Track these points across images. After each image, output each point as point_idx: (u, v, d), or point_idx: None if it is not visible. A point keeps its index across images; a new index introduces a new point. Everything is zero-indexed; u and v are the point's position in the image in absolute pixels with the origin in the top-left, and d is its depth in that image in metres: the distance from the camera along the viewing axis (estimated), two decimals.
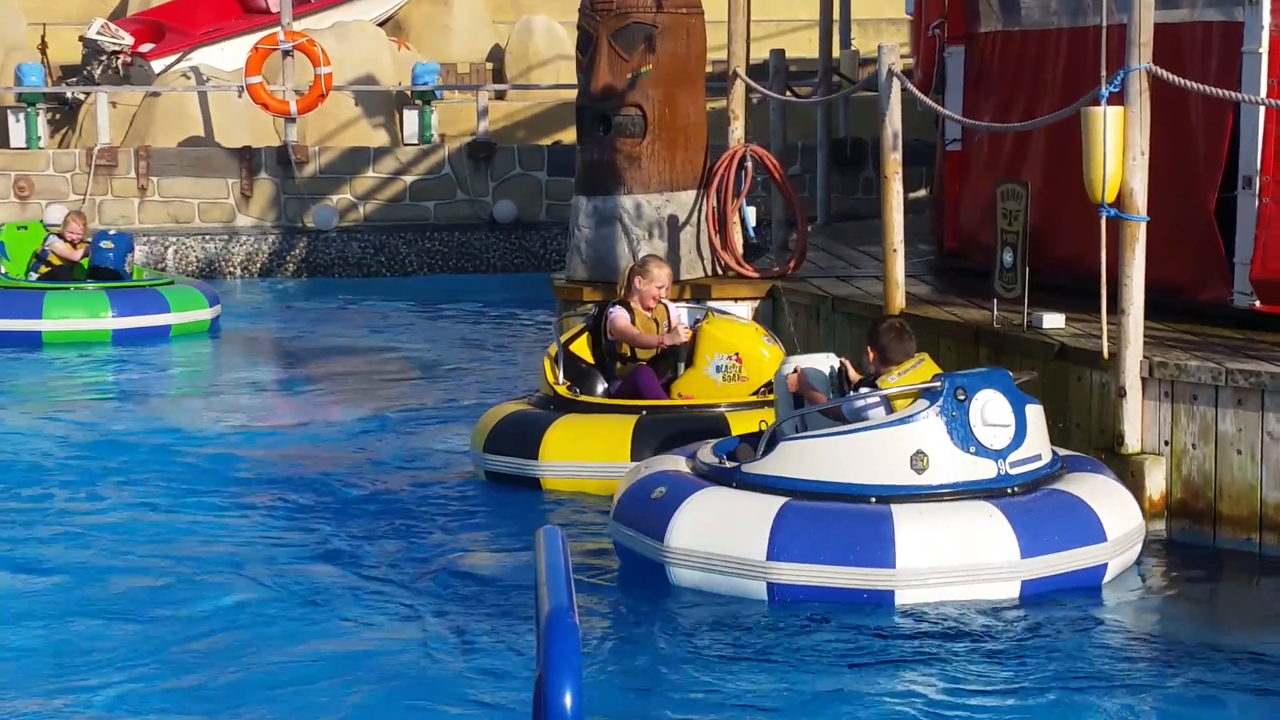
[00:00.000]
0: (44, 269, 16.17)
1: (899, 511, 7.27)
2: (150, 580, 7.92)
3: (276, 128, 21.87)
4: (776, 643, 6.92)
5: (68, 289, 15.69)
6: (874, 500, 7.34)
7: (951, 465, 7.45)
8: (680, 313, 10.28)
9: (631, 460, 9.20)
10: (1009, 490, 7.52)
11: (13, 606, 7.47)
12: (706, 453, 8.02)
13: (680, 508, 7.50)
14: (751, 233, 12.89)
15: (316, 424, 11.93)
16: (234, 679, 6.51)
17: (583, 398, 9.93)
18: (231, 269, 20.48)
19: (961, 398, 7.52)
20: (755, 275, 12.64)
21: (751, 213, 12.87)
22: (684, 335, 9.94)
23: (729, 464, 7.82)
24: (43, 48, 23.94)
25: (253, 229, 20.80)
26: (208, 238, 20.51)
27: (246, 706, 6.21)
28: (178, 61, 23.06)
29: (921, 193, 18.54)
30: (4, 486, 9.93)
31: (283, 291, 19.65)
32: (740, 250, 12.75)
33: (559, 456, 9.57)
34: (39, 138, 21.50)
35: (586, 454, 9.53)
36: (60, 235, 16.16)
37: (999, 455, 7.54)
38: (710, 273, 12.75)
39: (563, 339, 10.21)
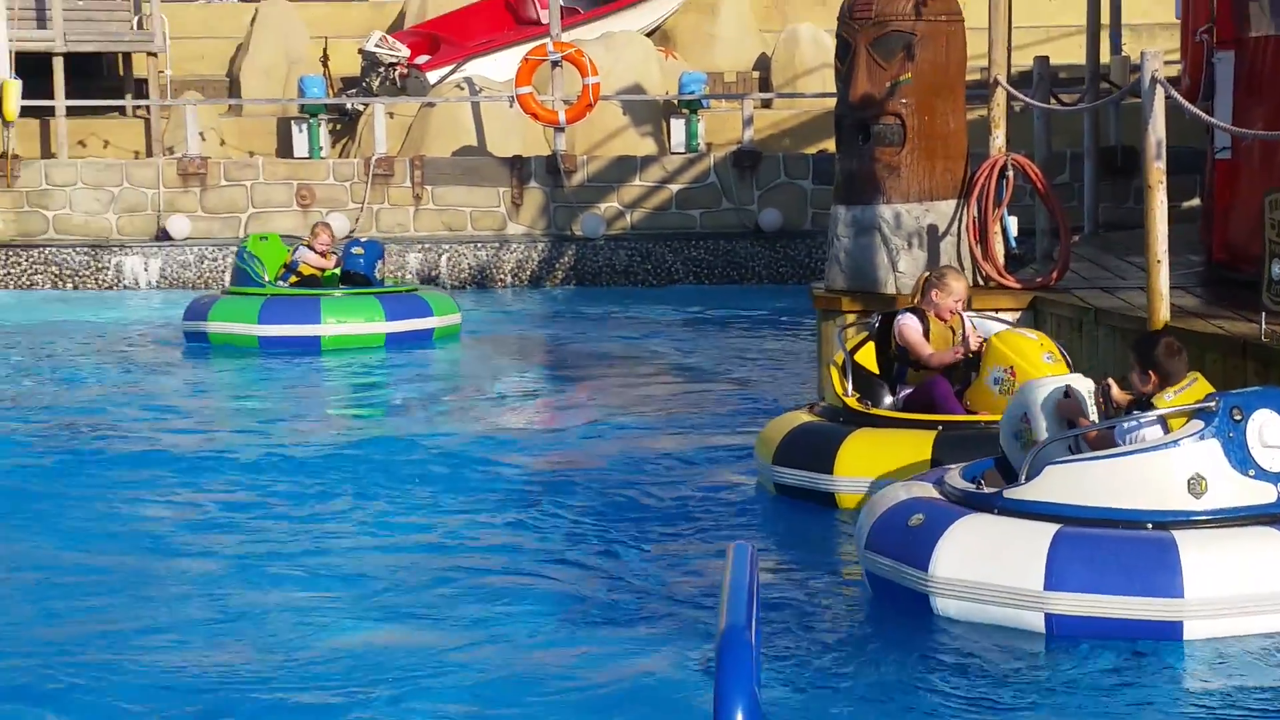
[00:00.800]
0: (294, 278, 16.43)
1: (1182, 538, 6.98)
2: (440, 589, 7.93)
3: (546, 137, 22.28)
4: (1050, 680, 6.66)
5: (339, 294, 16.09)
6: (1151, 526, 7.06)
7: (1230, 489, 7.14)
8: (976, 323, 9.99)
9: None
10: None
11: (314, 615, 7.61)
12: (956, 477, 7.80)
13: (944, 535, 7.25)
14: (1013, 243, 12.74)
15: (586, 430, 12.08)
16: (508, 680, 6.57)
17: (875, 410, 9.61)
18: (502, 276, 20.92)
19: (1238, 418, 7.22)
20: (1017, 286, 12.50)
21: (1013, 223, 12.72)
22: (974, 344, 9.62)
23: (985, 489, 7.62)
24: (324, 61, 24.78)
25: (523, 237, 21.22)
26: (479, 245, 20.99)
27: (523, 706, 6.28)
28: (452, 73, 23.64)
29: (1194, 202, 18.13)
30: (296, 489, 10.13)
31: (551, 298, 20.01)
32: (1001, 261, 12.61)
33: (856, 471, 9.25)
34: (320, 148, 22.24)
35: (885, 469, 9.17)
36: (309, 245, 16.48)
37: (1279, 479, 7.28)
38: (971, 283, 12.64)
39: (848, 346, 9.94)
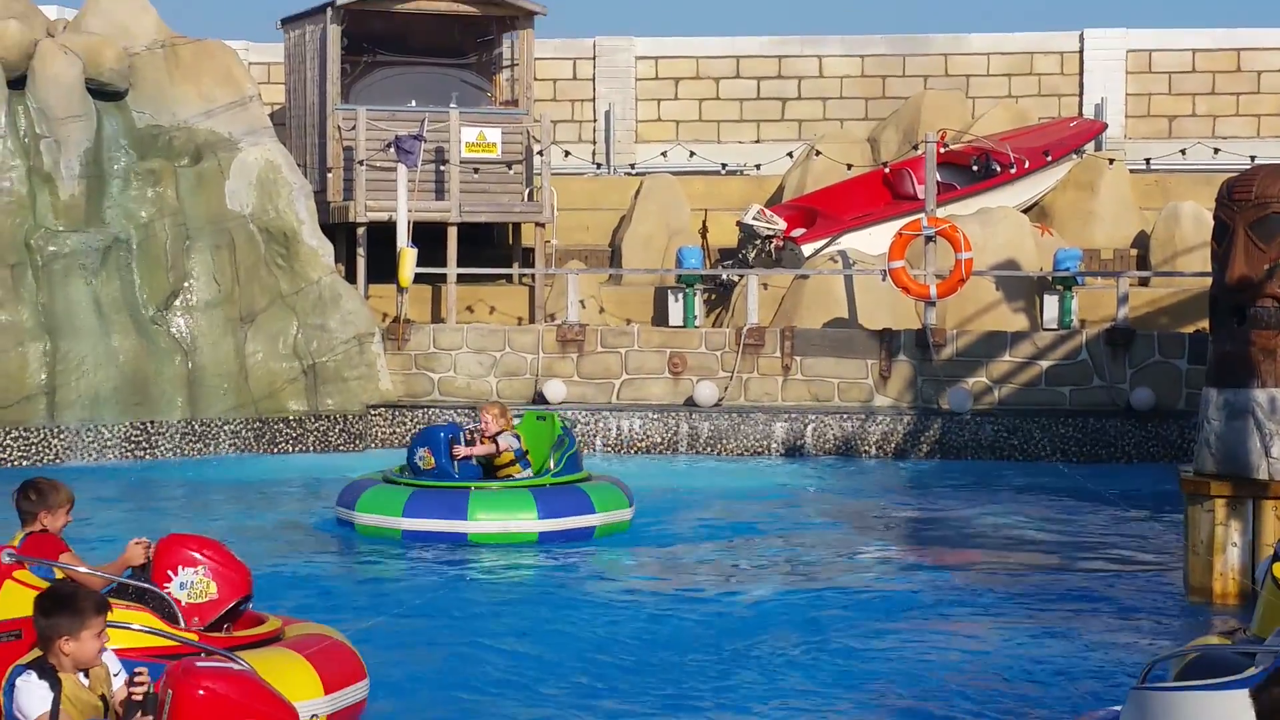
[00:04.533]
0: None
1: None
2: None
3: (917, 310, 22.40)
4: None
5: (495, 488, 14.81)
6: None
7: None
8: None
9: None
10: None
11: None
12: None
13: None
14: None
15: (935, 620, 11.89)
16: None
17: None
18: (867, 448, 21.00)
19: None
20: None
21: None
22: None
23: None
24: (703, 232, 25.45)
25: (889, 409, 21.29)
26: (845, 416, 21.13)
27: None
28: (826, 245, 24.00)
29: None
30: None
31: (916, 473, 19.97)
32: None
33: None
34: (695, 317, 22.79)
35: None
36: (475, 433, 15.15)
37: None
38: None
39: None
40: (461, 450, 14.88)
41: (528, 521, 14.66)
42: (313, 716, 7.75)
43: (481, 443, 15.01)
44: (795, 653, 10.62)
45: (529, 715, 9.28)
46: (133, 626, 7.78)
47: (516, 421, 15.58)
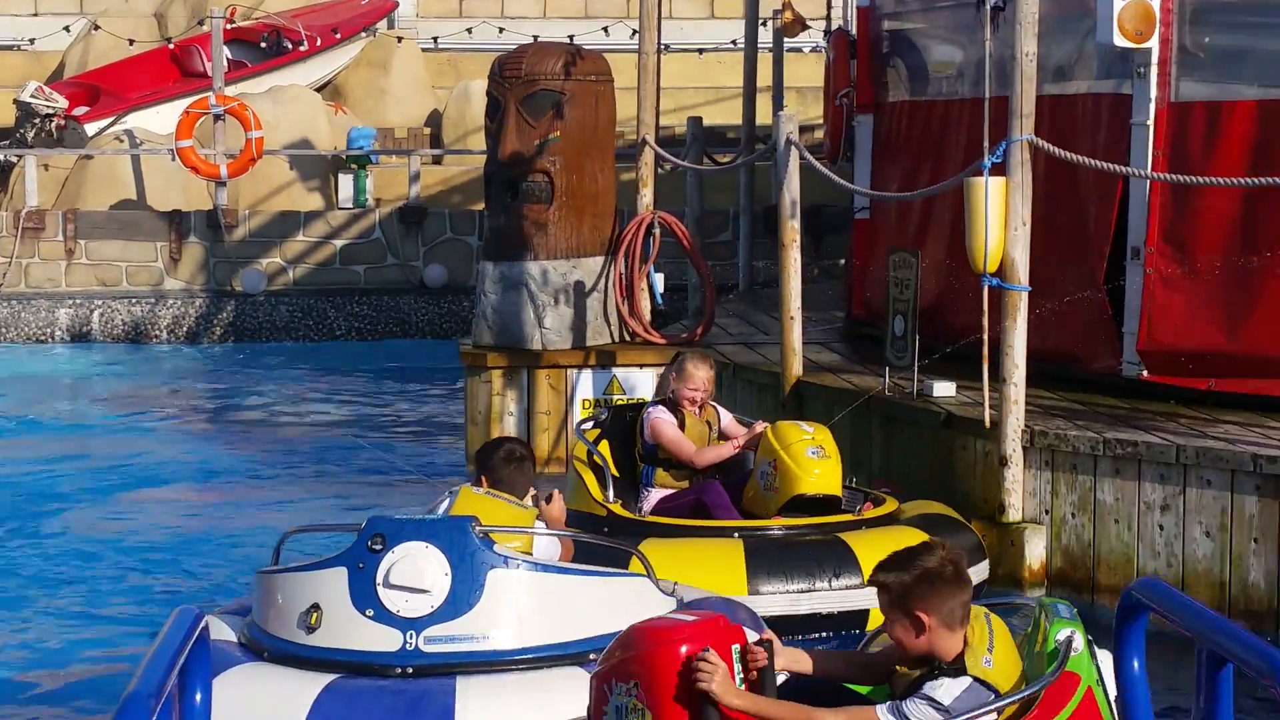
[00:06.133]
0: None
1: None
2: None
3: (208, 191, 21.83)
4: None
5: None
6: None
7: (345, 629, 6.00)
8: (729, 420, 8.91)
9: (749, 594, 7.79)
10: None
11: None
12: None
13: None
14: (660, 299, 12.89)
15: (226, 498, 11.83)
16: None
17: (652, 518, 8.42)
18: (158, 333, 20.39)
19: (377, 547, 6.01)
20: (662, 342, 12.64)
21: (660, 279, 12.87)
22: (728, 450, 8.64)
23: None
24: None
25: (180, 292, 20.72)
26: (134, 301, 20.43)
27: None
28: (112, 124, 23.01)
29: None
30: None
31: (209, 355, 19.58)
32: (648, 317, 12.75)
33: None
34: None
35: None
36: None
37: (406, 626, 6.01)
38: (618, 339, 12.74)
39: (590, 437, 8.80)
40: None
41: None
42: None
43: None
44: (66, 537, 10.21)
45: None
46: None
47: None
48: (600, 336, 12.62)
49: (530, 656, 5.94)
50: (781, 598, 7.94)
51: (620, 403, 11.36)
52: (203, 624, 3.53)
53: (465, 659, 5.88)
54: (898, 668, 4.80)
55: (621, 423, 8.92)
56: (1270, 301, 9.26)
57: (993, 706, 4.57)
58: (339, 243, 21.18)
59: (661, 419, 8.61)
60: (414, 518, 6.19)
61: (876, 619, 7.70)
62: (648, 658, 4.58)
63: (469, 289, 20.90)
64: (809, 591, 7.98)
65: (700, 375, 8.66)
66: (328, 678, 5.82)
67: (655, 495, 8.65)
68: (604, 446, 8.78)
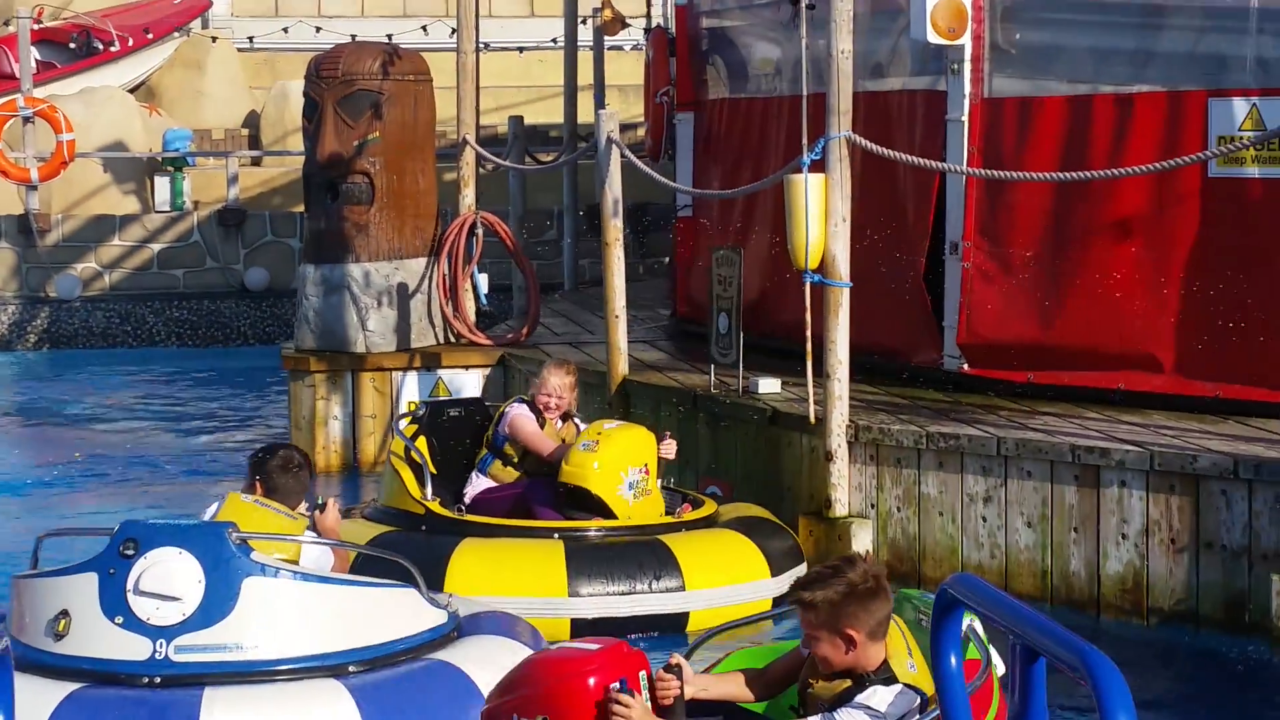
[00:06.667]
0: None
1: None
2: None
3: (20, 195, 21.31)
4: None
5: None
6: None
7: (95, 635, 5.86)
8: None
9: (569, 595, 7.89)
10: None
11: None
12: None
13: None
14: (484, 300, 12.83)
15: (36, 506, 11.58)
16: None
17: (471, 517, 8.32)
18: None
19: (129, 552, 5.84)
20: (487, 343, 12.58)
21: (484, 280, 12.81)
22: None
23: None
24: None
25: None
26: None
27: None
28: None
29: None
30: None
31: (24, 363, 19.13)
32: (472, 318, 12.69)
33: (474, 591, 7.60)
34: None
35: (511, 588, 7.85)
36: None
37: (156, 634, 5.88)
38: (442, 341, 12.66)
39: (407, 434, 8.69)
40: None
41: None
42: None
43: None
44: None
45: None
46: None
47: None
48: (425, 338, 12.52)
49: (286, 668, 5.82)
50: (602, 599, 7.95)
51: (441, 396, 11.36)
52: None
53: (216, 669, 5.76)
54: (812, 681, 4.75)
55: (441, 419, 8.87)
56: (1082, 294, 9.43)
57: (930, 713, 4.53)
58: (156, 246, 20.81)
59: (523, 415, 8.55)
60: (168, 522, 6.04)
61: (697, 621, 7.88)
62: (557, 692, 4.47)
63: (291, 292, 20.64)
64: (629, 594, 7.99)
65: (553, 381, 8.60)
66: (71, 687, 5.69)
67: (482, 484, 8.60)
68: (422, 443, 8.66)
